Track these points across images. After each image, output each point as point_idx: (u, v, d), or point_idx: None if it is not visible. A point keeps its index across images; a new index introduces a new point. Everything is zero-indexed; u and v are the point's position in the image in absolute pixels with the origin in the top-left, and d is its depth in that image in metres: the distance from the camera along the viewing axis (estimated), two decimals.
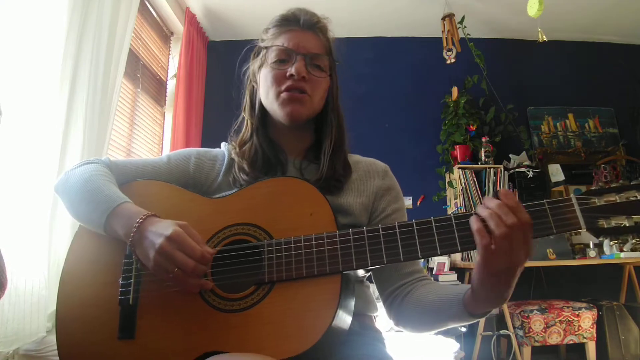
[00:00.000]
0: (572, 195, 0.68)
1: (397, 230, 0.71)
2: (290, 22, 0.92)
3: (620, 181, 0.68)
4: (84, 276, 0.81)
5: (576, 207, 0.66)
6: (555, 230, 0.66)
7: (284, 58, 0.89)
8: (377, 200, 0.92)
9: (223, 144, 1.00)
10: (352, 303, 0.75)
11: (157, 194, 0.86)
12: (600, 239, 0.69)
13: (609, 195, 0.67)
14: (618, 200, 0.66)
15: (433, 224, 0.70)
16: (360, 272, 0.89)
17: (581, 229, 0.66)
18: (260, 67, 0.94)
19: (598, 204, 0.67)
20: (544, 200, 0.68)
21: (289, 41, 0.89)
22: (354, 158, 0.99)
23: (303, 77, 0.87)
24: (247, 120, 0.97)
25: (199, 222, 0.79)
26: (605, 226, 0.66)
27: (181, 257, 0.69)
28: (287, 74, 0.87)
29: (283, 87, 0.88)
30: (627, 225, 0.66)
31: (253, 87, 0.97)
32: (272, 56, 0.90)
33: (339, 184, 0.90)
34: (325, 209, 0.75)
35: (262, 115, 0.95)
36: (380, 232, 0.71)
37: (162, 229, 0.72)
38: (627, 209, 0.66)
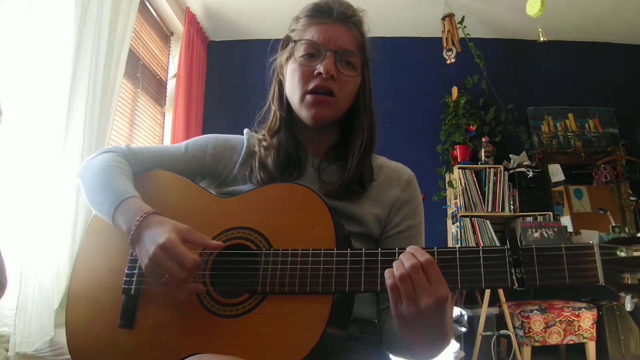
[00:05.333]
0: (594, 243, 0.60)
1: (398, 257, 0.67)
2: (322, 13, 0.85)
3: None
4: (95, 260, 0.84)
5: (597, 257, 0.59)
6: (569, 281, 0.59)
7: (312, 52, 0.83)
8: (392, 213, 0.87)
9: (246, 131, 0.96)
10: (348, 320, 0.73)
11: (169, 186, 0.88)
12: (621, 294, 0.58)
13: (639, 246, 0.58)
14: None
15: (436, 256, 0.65)
16: None
17: (599, 283, 0.59)
18: (287, 59, 0.88)
19: (625, 255, 0.58)
20: (562, 245, 0.61)
21: (319, 35, 0.83)
22: (379, 161, 0.93)
23: (332, 75, 0.81)
24: (275, 112, 0.91)
25: (203, 221, 0.80)
26: (630, 282, 0.57)
27: (172, 267, 0.69)
28: (315, 72, 0.81)
29: (310, 87, 0.82)
30: None
31: (280, 79, 0.91)
32: (300, 50, 0.84)
33: (361, 189, 0.85)
34: (327, 224, 0.73)
35: (289, 110, 0.90)
36: (379, 258, 0.68)
37: (157, 236, 0.71)
38: None
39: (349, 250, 0.70)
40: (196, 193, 0.85)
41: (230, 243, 0.77)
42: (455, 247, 0.65)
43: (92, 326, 0.79)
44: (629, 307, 0.59)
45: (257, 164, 0.88)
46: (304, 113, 0.85)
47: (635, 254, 0.58)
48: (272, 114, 0.92)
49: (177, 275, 0.69)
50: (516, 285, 0.61)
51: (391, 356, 0.88)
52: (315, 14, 0.86)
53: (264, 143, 0.89)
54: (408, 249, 0.64)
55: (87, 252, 0.86)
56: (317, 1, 0.88)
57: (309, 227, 0.73)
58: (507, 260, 0.62)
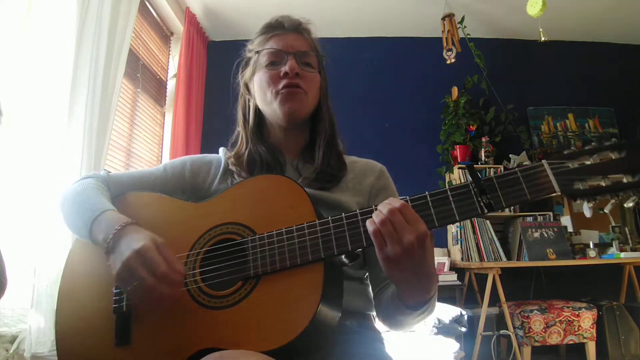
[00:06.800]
0: (543, 160, 0.68)
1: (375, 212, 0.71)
2: (274, 27, 0.95)
3: (593, 143, 0.67)
4: (80, 290, 0.83)
5: (548, 171, 0.67)
6: (530, 197, 0.67)
7: (275, 60, 0.91)
8: (371, 199, 0.93)
9: (221, 149, 1.01)
10: (341, 298, 0.75)
11: (147, 203, 0.89)
12: (578, 201, 0.69)
13: (583, 158, 0.67)
14: (592, 162, 0.66)
15: (409, 203, 0.70)
16: (357, 269, 0.89)
17: (556, 192, 0.67)
18: (252, 75, 0.96)
19: (572, 167, 0.67)
20: (516, 169, 0.69)
21: (277, 43, 0.92)
22: (351, 159, 1.00)
23: (297, 73, 0.89)
24: (240, 133, 0.99)
25: (185, 227, 0.81)
26: (582, 188, 0.66)
27: (142, 272, 0.69)
28: (281, 73, 0.89)
29: (280, 86, 0.90)
30: (604, 185, 0.65)
31: (245, 99, 0.99)
32: (263, 60, 0.92)
33: (333, 178, 0.91)
34: (304, 200, 0.76)
35: (258, 121, 0.97)
36: (359, 217, 0.72)
37: (134, 241, 0.72)
38: (603, 169, 0.66)
39: (330, 218, 0.73)
40: (172, 204, 0.87)
41: (217, 239, 0.79)
42: (425, 193, 0.71)
43: (86, 354, 0.78)
44: (587, 213, 0.67)
45: (237, 177, 0.91)
46: (278, 111, 0.91)
47: (580, 164, 0.67)
48: (240, 136, 0.99)
49: (146, 281, 0.69)
50: (485, 210, 0.68)
51: (385, 342, 0.90)
52: (268, 30, 0.95)
53: (235, 162, 0.94)
54: (384, 201, 0.69)
55: (70, 283, 0.85)
56: (266, 22, 0.97)
57: (288, 207, 0.76)
58: (473, 192, 0.69)
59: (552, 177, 0.66)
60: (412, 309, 0.74)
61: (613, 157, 0.65)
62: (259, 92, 0.93)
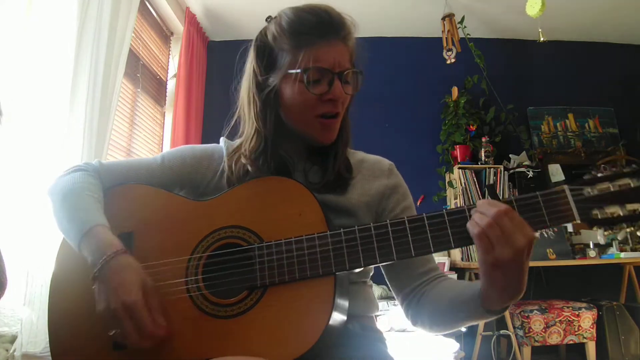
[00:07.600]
0: (565, 186, 0.66)
1: (390, 228, 0.69)
2: (316, 29, 0.81)
3: (614, 169, 0.66)
4: (72, 288, 0.79)
5: (570, 198, 0.65)
6: (549, 223, 0.65)
7: (318, 78, 0.81)
8: (384, 200, 0.89)
9: (222, 140, 0.95)
10: (347, 302, 0.73)
11: (142, 198, 0.84)
12: (594, 229, 0.68)
13: (602, 184, 0.65)
14: (612, 189, 0.65)
15: (426, 221, 0.68)
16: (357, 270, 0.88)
17: (575, 220, 0.65)
18: (283, 77, 0.83)
19: (592, 194, 0.65)
20: (537, 193, 0.66)
21: (323, 58, 0.80)
22: (358, 156, 0.96)
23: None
24: (258, 130, 0.86)
25: (186, 227, 0.78)
26: (600, 217, 0.64)
27: (129, 328, 0.67)
28: (325, 97, 0.81)
29: (320, 112, 0.82)
30: (621, 214, 0.64)
31: (268, 94, 0.85)
32: (305, 75, 0.80)
33: (344, 183, 0.88)
34: (314, 208, 0.73)
35: (278, 126, 0.87)
36: (373, 232, 0.69)
37: (123, 289, 0.68)
38: (621, 197, 0.64)
39: (342, 230, 0.70)
40: (172, 201, 0.82)
41: (220, 244, 0.75)
42: (443, 211, 0.69)
43: (83, 357, 0.75)
44: (601, 240, 0.67)
45: (241, 174, 0.85)
46: (312, 135, 0.86)
47: (600, 190, 0.65)
48: (252, 132, 0.87)
49: (131, 338, 0.67)
50: None
51: (386, 342, 0.88)
52: (312, 32, 0.81)
53: (249, 167, 0.84)
54: (480, 202, 0.66)
55: (62, 280, 0.81)
56: (304, 14, 0.83)
57: (297, 214, 0.73)
58: None
59: (572, 205, 0.65)
60: (490, 313, 0.70)
61: (632, 185, 0.64)
62: (294, 106, 0.84)
